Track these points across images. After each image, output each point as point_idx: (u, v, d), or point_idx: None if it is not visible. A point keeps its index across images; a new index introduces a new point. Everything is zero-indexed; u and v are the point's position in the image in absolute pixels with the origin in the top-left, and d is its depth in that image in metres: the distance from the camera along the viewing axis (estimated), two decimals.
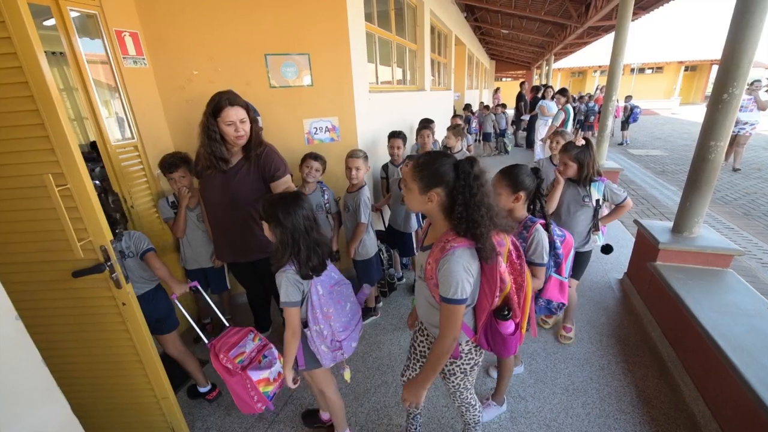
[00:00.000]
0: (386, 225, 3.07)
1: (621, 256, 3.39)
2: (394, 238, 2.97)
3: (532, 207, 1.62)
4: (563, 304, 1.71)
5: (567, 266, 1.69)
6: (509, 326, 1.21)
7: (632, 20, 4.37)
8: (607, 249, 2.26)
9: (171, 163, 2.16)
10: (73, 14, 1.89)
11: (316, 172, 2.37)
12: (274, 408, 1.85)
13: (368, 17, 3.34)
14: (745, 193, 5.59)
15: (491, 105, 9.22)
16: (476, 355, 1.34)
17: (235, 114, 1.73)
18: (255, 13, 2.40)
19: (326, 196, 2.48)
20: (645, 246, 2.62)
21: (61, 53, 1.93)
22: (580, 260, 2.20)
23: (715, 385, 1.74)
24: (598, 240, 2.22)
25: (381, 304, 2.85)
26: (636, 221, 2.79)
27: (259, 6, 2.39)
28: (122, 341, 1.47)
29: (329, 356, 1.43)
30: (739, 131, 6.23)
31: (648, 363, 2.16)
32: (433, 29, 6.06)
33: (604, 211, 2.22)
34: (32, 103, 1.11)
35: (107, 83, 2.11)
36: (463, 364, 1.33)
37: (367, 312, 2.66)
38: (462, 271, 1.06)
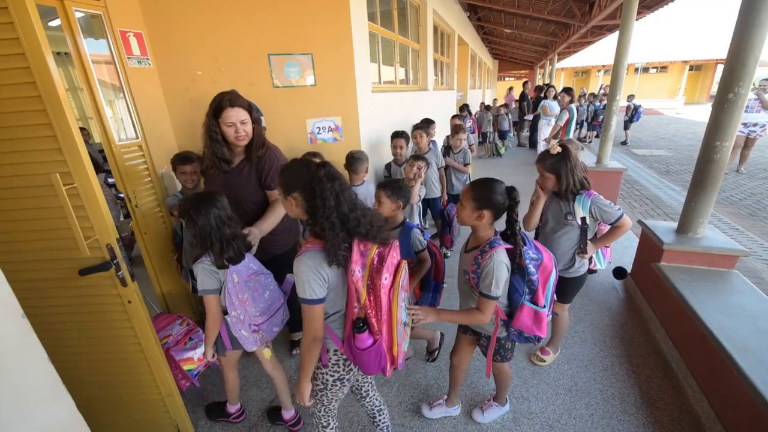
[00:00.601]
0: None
1: (625, 257, 3.37)
2: None
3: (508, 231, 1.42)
4: (539, 337, 1.49)
5: (547, 294, 1.44)
6: (363, 340, 1.14)
7: (636, 19, 4.34)
8: (619, 273, 2.01)
9: (186, 156, 2.21)
10: (78, 15, 1.90)
11: None
12: (199, 385, 1.98)
13: (371, 17, 3.34)
14: (751, 193, 5.55)
15: (492, 105, 9.19)
16: (343, 369, 1.28)
17: (235, 115, 1.72)
18: (258, 14, 2.41)
19: None
20: (649, 246, 2.61)
21: (66, 53, 1.95)
22: (567, 286, 1.97)
23: (720, 386, 1.73)
24: (598, 264, 1.99)
25: None
26: (640, 221, 2.78)
27: (263, 6, 2.40)
28: (128, 339, 1.48)
29: (251, 339, 1.56)
30: (749, 134, 6.03)
31: (652, 364, 2.15)
32: (436, 29, 6.05)
33: (603, 229, 1.97)
34: (40, 103, 1.12)
35: (112, 83, 2.12)
36: (326, 374, 1.29)
37: None
38: (309, 272, 1.09)
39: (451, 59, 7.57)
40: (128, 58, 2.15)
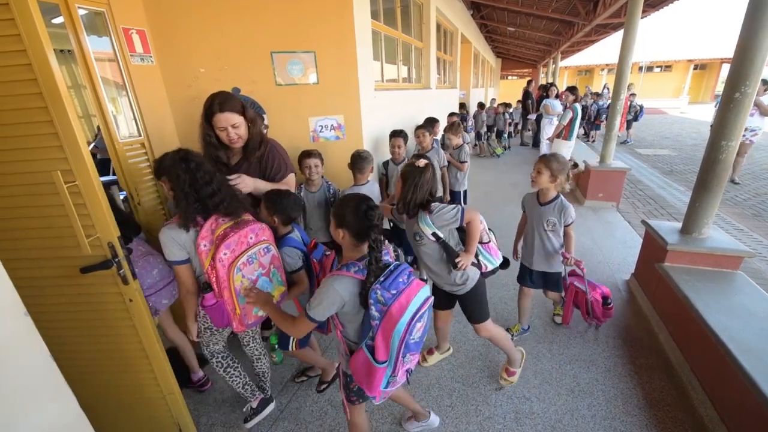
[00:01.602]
0: (390, 223, 3.07)
1: (628, 257, 3.36)
2: (399, 236, 2.96)
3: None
4: (366, 394, 1.29)
5: (391, 352, 1.18)
6: (207, 299, 1.48)
7: (641, 18, 4.30)
8: (504, 264, 1.89)
9: None
10: (82, 12, 1.90)
11: (316, 167, 2.37)
12: None
13: (374, 15, 3.32)
14: (755, 194, 5.51)
15: (485, 104, 9.13)
16: (210, 321, 1.62)
17: (225, 120, 1.68)
18: (261, 11, 2.40)
19: (331, 191, 2.50)
20: (653, 247, 2.59)
21: (69, 51, 1.94)
22: (465, 304, 1.83)
23: (724, 388, 1.72)
24: (489, 265, 1.81)
25: None
26: (644, 221, 2.76)
27: (266, 3, 2.39)
28: (129, 337, 1.48)
29: None
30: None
31: (655, 365, 2.14)
32: (439, 27, 6.03)
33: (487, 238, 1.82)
34: (41, 100, 1.12)
35: (114, 81, 2.12)
36: (198, 323, 1.67)
37: None
38: (168, 239, 1.42)
39: (454, 57, 7.54)
40: (131, 55, 2.15)
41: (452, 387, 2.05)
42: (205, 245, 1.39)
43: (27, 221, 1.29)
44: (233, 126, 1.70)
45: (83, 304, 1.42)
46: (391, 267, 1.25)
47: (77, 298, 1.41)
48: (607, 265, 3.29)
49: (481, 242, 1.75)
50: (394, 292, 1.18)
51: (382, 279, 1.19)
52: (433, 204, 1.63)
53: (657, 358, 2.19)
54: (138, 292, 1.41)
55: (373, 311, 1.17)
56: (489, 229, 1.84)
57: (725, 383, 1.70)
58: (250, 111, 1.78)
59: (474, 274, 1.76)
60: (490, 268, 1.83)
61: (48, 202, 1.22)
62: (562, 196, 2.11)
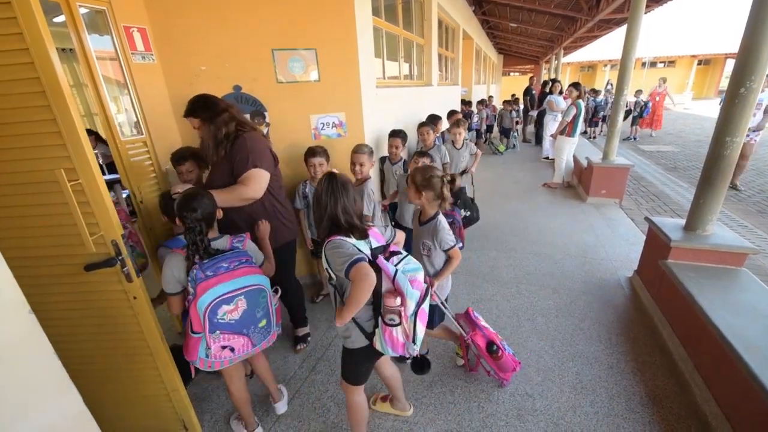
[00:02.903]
0: (393, 222, 3.07)
1: (631, 254, 3.34)
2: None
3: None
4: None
5: (205, 326, 1.35)
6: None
7: (645, 13, 4.26)
8: (417, 365, 1.55)
9: (180, 156, 2.18)
10: (83, 10, 1.90)
11: (320, 166, 2.38)
12: None
13: (375, 11, 3.31)
14: (760, 190, 5.47)
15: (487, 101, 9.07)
16: None
17: (191, 122, 1.85)
18: (262, 8, 2.39)
19: None
20: (656, 244, 2.58)
21: (70, 50, 1.95)
22: (342, 353, 1.52)
23: (727, 385, 1.71)
24: (380, 349, 1.36)
25: None
26: (647, 218, 2.75)
27: (267, 1, 2.38)
28: (133, 334, 1.49)
29: None
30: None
31: (658, 362, 2.13)
32: (440, 23, 5.99)
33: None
34: (44, 98, 1.12)
35: (116, 79, 2.12)
36: None
37: None
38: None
39: (456, 54, 7.50)
40: (132, 53, 2.15)
41: (454, 384, 2.06)
42: None
43: (31, 219, 1.29)
44: (196, 128, 1.85)
45: (87, 301, 1.43)
46: (226, 254, 1.45)
47: (81, 296, 1.42)
48: (610, 262, 3.28)
49: (383, 319, 1.29)
50: (210, 274, 1.37)
51: (206, 261, 1.39)
52: (334, 238, 1.27)
53: (660, 355, 2.19)
54: (142, 289, 1.42)
55: (189, 287, 1.40)
56: (414, 314, 1.28)
57: (729, 380, 1.69)
58: (206, 112, 1.80)
59: (356, 341, 1.41)
60: (380, 351, 1.38)
61: (52, 200, 1.23)
62: (441, 216, 1.77)
